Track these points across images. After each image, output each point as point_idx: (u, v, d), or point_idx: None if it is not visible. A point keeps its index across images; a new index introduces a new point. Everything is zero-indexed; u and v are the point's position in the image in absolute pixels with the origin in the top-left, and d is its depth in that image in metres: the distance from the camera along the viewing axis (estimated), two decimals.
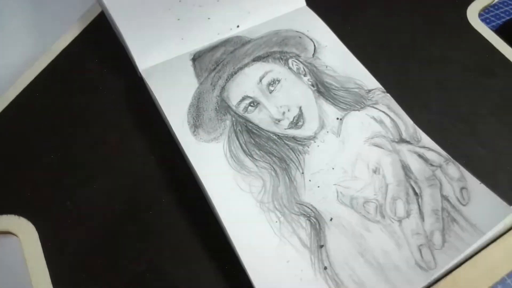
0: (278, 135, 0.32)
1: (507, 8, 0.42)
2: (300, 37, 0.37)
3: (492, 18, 0.42)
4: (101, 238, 0.29)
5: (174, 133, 0.32)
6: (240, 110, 0.33)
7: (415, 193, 0.29)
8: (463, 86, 0.35)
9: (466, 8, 0.40)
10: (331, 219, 0.28)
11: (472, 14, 0.40)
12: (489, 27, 0.39)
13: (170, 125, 0.32)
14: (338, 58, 0.36)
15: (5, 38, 0.42)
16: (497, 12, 0.42)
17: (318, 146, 0.31)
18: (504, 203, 0.28)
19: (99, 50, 0.38)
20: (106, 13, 0.39)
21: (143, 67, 0.35)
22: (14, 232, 0.29)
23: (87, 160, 0.32)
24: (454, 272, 0.27)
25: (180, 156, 0.32)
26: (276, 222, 0.28)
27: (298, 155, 0.31)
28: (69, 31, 0.39)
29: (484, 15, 0.42)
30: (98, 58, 0.38)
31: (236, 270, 0.27)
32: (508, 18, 0.42)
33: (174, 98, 0.33)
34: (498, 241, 0.28)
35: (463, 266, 0.27)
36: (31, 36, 0.42)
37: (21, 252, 0.29)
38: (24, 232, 0.29)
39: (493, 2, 0.42)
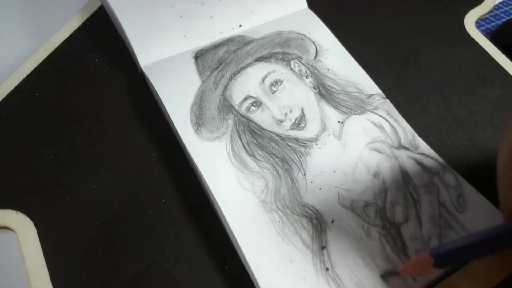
0: (280, 136, 0.32)
1: (506, 8, 0.43)
2: (302, 39, 0.37)
3: (492, 19, 0.42)
4: (100, 235, 0.29)
5: (176, 131, 0.31)
6: (243, 109, 0.33)
7: (413, 199, 0.30)
8: (461, 93, 0.36)
9: (463, 17, 0.41)
10: (332, 221, 0.28)
11: (469, 23, 0.41)
12: (488, 27, 0.40)
13: (172, 123, 0.32)
14: (339, 61, 0.36)
15: (0, 30, 0.41)
16: (497, 12, 0.43)
17: (319, 148, 0.32)
18: (498, 212, 0.29)
19: (99, 44, 0.38)
20: (106, 6, 0.38)
21: (144, 63, 0.35)
22: (11, 227, 0.29)
23: (86, 156, 0.32)
24: (450, 277, 0.27)
25: (181, 153, 0.32)
26: (279, 222, 0.28)
27: (300, 157, 0.31)
28: (68, 24, 0.38)
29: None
30: (98, 52, 0.37)
31: (237, 269, 0.28)
32: (505, 19, 0.42)
33: (176, 96, 0.33)
34: None
35: (458, 271, 0.27)
36: (28, 28, 0.41)
37: (19, 248, 0.28)
38: (22, 228, 0.29)
39: (489, 12, 0.43)
